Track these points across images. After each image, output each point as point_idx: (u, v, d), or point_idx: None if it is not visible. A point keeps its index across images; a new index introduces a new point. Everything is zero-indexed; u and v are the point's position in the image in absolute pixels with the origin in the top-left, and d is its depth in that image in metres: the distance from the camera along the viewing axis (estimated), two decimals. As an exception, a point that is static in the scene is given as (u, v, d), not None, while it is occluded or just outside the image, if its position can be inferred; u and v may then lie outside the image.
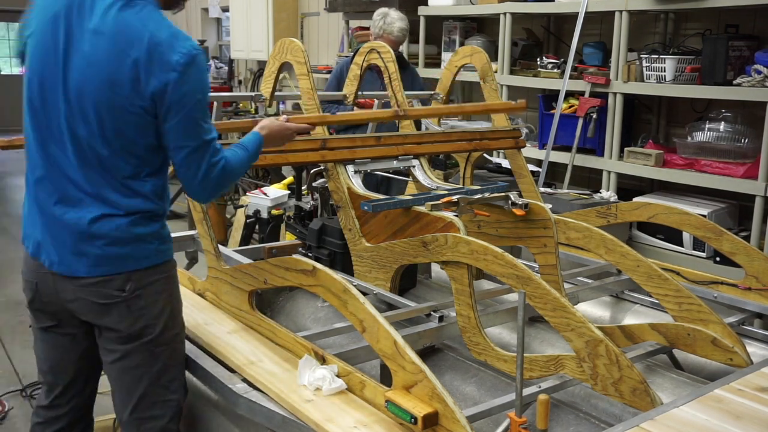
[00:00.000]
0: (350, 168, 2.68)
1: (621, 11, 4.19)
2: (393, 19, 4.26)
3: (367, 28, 5.29)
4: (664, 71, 4.02)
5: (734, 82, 3.74)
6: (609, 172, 4.38)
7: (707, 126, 4.02)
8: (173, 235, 3.09)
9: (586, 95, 4.45)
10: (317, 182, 3.18)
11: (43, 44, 1.91)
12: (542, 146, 4.75)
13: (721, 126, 3.97)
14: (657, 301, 2.40)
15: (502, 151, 4.14)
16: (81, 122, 1.88)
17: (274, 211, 4.54)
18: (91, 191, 1.92)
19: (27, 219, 2.05)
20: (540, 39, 5.33)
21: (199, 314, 2.43)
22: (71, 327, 2.07)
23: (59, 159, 1.93)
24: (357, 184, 2.63)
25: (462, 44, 5.33)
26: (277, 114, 7.50)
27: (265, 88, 2.94)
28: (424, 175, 2.88)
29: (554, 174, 4.97)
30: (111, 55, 1.83)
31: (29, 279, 2.06)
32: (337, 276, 1.97)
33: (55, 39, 1.88)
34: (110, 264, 1.94)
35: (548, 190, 4.21)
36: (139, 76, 1.83)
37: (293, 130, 2.36)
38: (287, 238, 4.04)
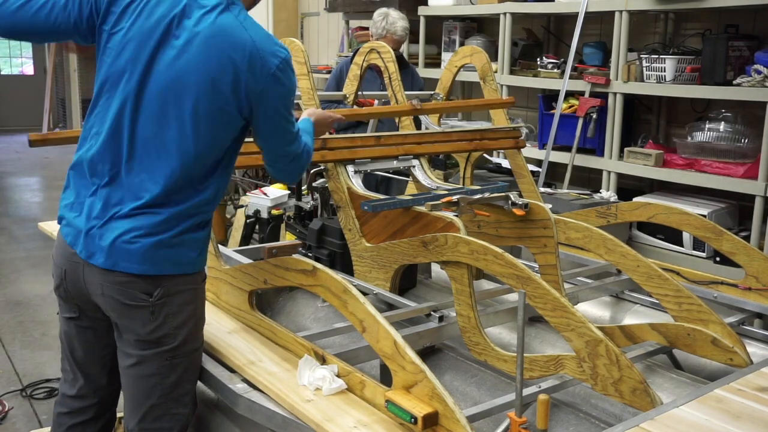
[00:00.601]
0: (350, 168, 2.68)
1: (621, 11, 4.19)
2: (395, 18, 4.26)
3: (367, 28, 5.29)
4: (664, 71, 4.02)
5: (734, 82, 3.74)
6: (609, 172, 4.38)
7: (707, 126, 4.02)
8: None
9: (586, 95, 4.45)
10: (317, 182, 3.17)
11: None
12: (542, 146, 4.75)
13: (721, 126, 3.97)
14: (657, 301, 2.40)
15: (502, 151, 4.14)
16: (153, 120, 1.89)
17: (274, 211, 4.54)
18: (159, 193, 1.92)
19: (69, 205, 2.00)
20: (540, 39, 5.33)
21: (199, 314, 2.43)
22: (93, 321, 2.07)
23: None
24: (357, 184, 2.63)
25: (462, 44, 5.33)
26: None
27: (265, 88, 2.94)
28: (424, 175, 2.88)
29: (554, 174, 4.97)
30: (212, 58, 1.87)
31: (58, 264, 2.03)
32: (337, 276, 1.97)
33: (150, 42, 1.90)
34: (147, 263, 1.91)
35: (548, 190, 4.21)
36: (240, 78, 1.88)
37: (333, 119, 2.58)
38: (287, 238, 4.04)
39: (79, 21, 1.93)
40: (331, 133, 2.71)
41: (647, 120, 4.69)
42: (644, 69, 4.13)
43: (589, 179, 4.85)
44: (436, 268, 2.95)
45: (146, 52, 1.88)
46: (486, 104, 3.31)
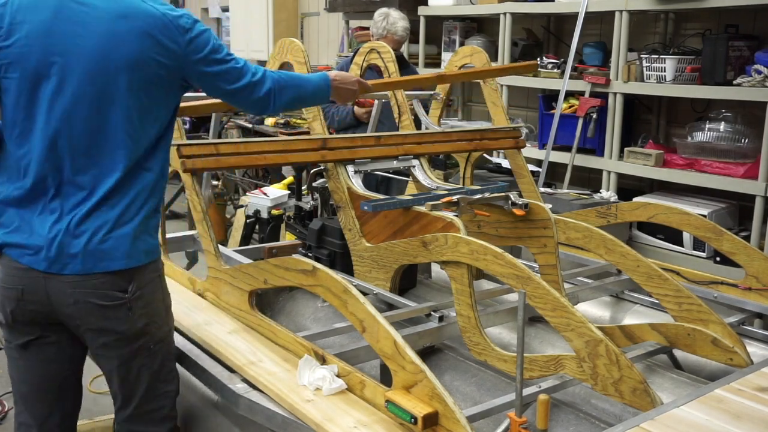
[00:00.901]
0: (350, 168, 2.68)
1: (621, 11, 4.19)
2: (395, 18, 4.27)
3: (367, 28, 5.29)
4: (664, 71, 4.02)
5: (734, 82, 3.74)
6: (609, 172, 4.38)
7: (707, 126, 4.02)
8: (173, 235, 3.11)
9: (586, 95, 4.45)
10: (317, 182, 3.17)
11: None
12: (542, 146, 4.75)
13: (721, 126, 3.97)
14: (657, 301, 2.40)
15: (502, 151, 4.14)
16: (91, 114, 1.87)
17: (274, 211, 4.54)
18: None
19: (14, 230, 1.93)
20: (540, 39, 5.34)
21: (199, 314, 2.43)
22: (55, 335, 2.00)
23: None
24: (357, 184, 2.63)
25: (462, 44, 5.33)
26: (277, 114, 7.50)
27: (265, 88, 2.93)
28: (424, 175, 2.88)
29: (554, 174, 4.97)
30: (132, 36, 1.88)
31: (12, 287, 1.94)
32: (337, 276, 1.97)
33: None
34: (124, 258, 1.91)
35: (548, 190, 4.21)
36: (161, 49, 1.91)
37: (362, 84, 2.50)
38: (287, 238, 4.04)
39: None
40: (330, 132, 2.70)
41: (647, 120, 4.69)
42: (644, 69, 4.13)
43: (589, 179, 4.85)
44: (436, 268, 2.95)
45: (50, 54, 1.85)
46: (510, 68, 3.30)
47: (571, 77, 4.49)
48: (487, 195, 2.44)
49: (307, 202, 3.35)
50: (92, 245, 1.88)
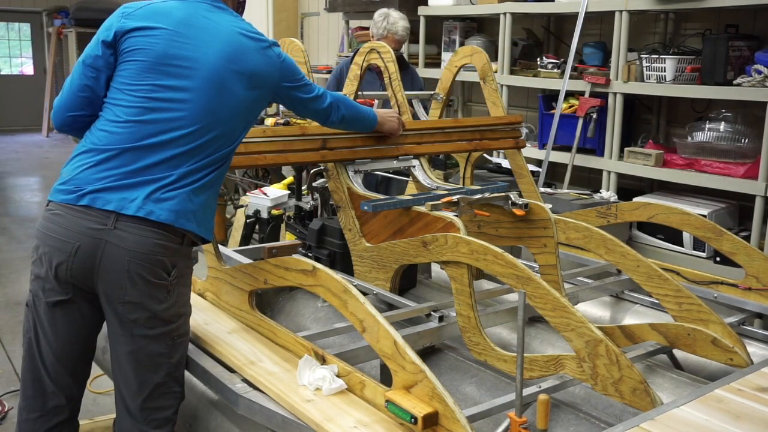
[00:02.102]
0: (350, 168, 2.68)
1: (621, 11, 4.19)
2: (395, 19, 4.27)
3: (367, 28, 5.29)
4: (664, 71, 4.02)
5: (734, 82, 3.74)
6: (609, 172, 4.38)
7: (707, 126, 4.02)
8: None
9: (586, 95, 4.45)
10: (317, 182, 3.18)
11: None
12: (542, 146, 4.75)
13: (721, 126, 3.97)
14: (657, 301, 2.40)
15: (502, 151, 4.14)
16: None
17: (274, 211, 4.53)
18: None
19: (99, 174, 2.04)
20: (540, 39, 5.34)
21: (199, 314, 2.43)
22: (85, 302, 2.07)
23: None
24: (357, 184, 2.63)
25: (462, 44, 5.33)
26: (277, 113, 7.50)
27: (265, 88, 2.94)
28: (424, 175, 2.88)
29: (554, 174, 4.97)
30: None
31: (69, 239, 1.99)
32: (337, 276, 1.97)
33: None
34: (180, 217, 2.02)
35: (548, 190, 4.21)
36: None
37: (401, 121, 2.76)
38: (287, 238, 4.04)
39: None
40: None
41: (647, 120, 4.69)
42: (644, 69, 4.13)
43: (589, 179, 4.85)
44: (436, 268, 2.95)
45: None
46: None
47: (571, 77, 4.49)
48: (487, 195, 2.44)
49: (307, 202, 3.35)
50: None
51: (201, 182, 2.07)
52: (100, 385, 3.57)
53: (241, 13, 2.40)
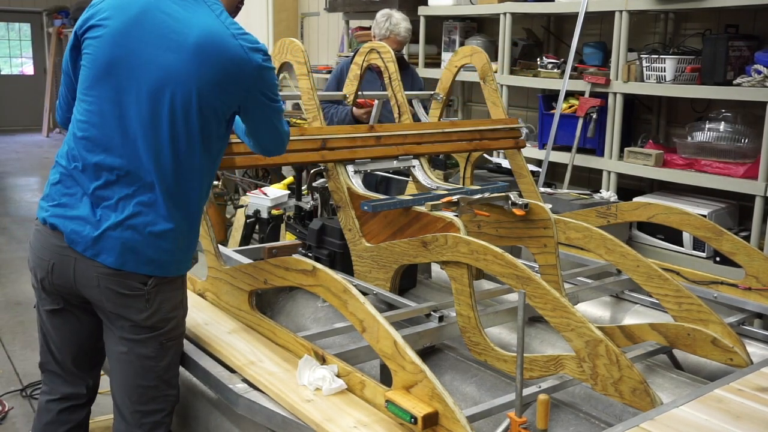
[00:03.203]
0: (350, 168, 2.68)
1: (621, 11, 4.19)
2: (398, 19, 4.27)
3: (367, 28, 5.29)
4: (664, 71, 4.02)
5: (734, 82, 3.74)
6: (609, 172, 4.38)
7: (707, 126, 4.02)
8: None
9: (586, 95, 4.45)
10: (317, 182, 3.17)
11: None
12: (542, 146, 4.75)
13: (721, 126, 3.97)
14: (657, 301, 2.40)
15: (502, 151, 4.14)
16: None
17: (274, 211, 4.53)
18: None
19: (60, 195, 2.01)
20: (540, 39, 5.34)
21: (199, 314, 2.43)
22: (78, 310, 2.09)
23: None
24: (357, 184, 2.63)
25: (462, 44, 5.33)
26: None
27: (265, 88, 2.94)
28: (424, 175, 2.88)
29: (554, 174, 4.97)
30: None
31: (44, 257, 2.02)
32: (337, 276, 1.97)
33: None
34: (135, 263, 1.96)
35: (548, 190, 4.21)
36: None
37: None
38: (287, 238, 4.04)
39: None
40: None
41: (647, 120, 4.69)
42: (644, 69, 4.13)
43: (589, 179, 4.85)
44: (436, 268, 2.95)
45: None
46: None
47: (571, 77, 4.49)
48: (487, 195, 2.44)
49: (307, 202, 3.35)
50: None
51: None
52: (100, 386, 3.56)
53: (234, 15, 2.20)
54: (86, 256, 1.94)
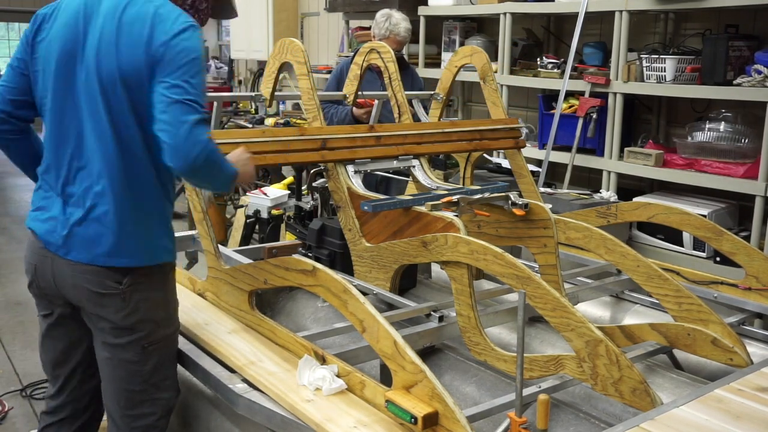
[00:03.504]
0: (350, 168, 2.68)
1: (621, 11, 4.18)
2: (398, 20, 4.27)
3: (367, 28, 5.29)
4: (664, 71, 4.02)
5: (734, 82, 3.74)
6: (609, 172, 4.37)
7: (707, 126, 4.02)
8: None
9: (586, 95, 4.45)
10: (317, 182, 3.18)
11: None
12: (542, 146, 4.75)
13: (721, 126, 3.97)
14: (657, 301, 2.40)
15: (502, 151, 4.14)
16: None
17: (274, 211, 4.54)
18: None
19: (40, 199, 2.06)
20: (540, 39, 5.33)
21: (199, 314, 2.43)
22: (66, 317, 2.11)
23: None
24: (357, 184, 2.63)
25: (462, 44, 5.33)
26: (277, 114, 7.52)
27: (265, 88, 2.94)
28: (424, 175, 2.88)
29: (554, 174, 4.97)
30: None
31: (31, 261, 2.08)
32: (337, 276, 1.97)
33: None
34: (114, 256, 1.96)
35: (548, 190, 4.21)
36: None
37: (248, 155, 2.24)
38: (287, 238, 4.04)
39: None
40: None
41: (647, 120, 4.69)
42: (644, 69, 4.13)
43: (589, 179, 4.85)
44: (436, 268, 2.95)
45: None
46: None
47: (571, 77, 4.49)
48: (487, 195, 2.44)
49: (307, 202, 3.35)
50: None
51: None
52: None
53: (203, 23, 2.25)
54: (59, 256, 1.97)
